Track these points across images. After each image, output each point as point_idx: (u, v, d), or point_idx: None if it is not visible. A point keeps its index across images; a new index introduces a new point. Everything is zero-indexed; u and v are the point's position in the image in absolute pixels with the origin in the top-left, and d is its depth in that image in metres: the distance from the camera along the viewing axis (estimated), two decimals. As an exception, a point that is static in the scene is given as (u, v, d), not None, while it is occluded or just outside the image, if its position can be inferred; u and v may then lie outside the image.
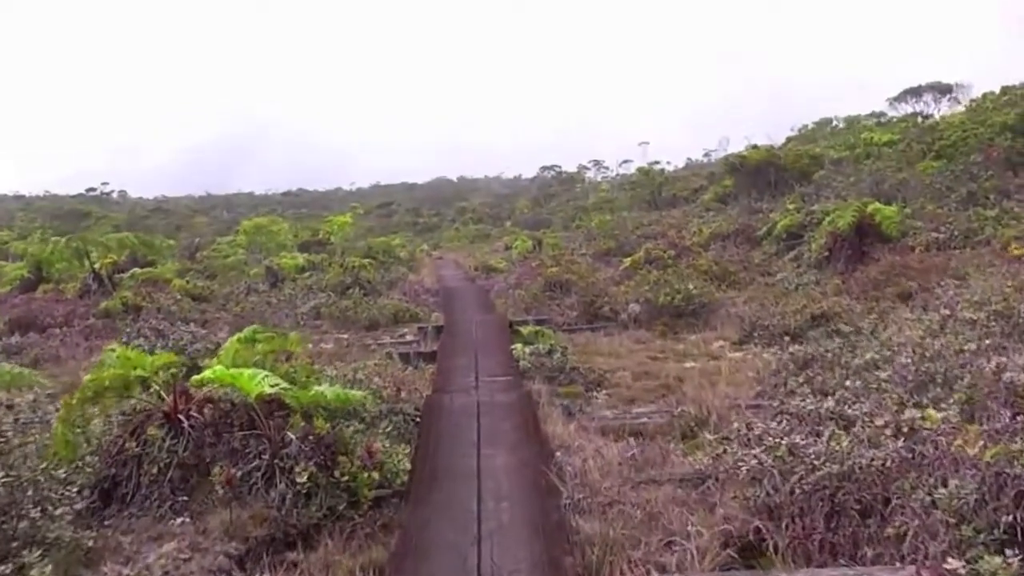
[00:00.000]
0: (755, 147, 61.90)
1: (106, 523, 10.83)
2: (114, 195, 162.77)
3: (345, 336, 28.27)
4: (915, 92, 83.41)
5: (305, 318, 31.76)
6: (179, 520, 10.74)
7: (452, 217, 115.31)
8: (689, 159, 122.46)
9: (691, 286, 27.85)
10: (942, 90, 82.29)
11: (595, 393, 18.11)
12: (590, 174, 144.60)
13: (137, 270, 41.15)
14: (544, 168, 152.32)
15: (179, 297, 34.57)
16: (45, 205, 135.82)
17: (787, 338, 21.19)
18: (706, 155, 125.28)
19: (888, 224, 33.06)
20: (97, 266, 39.84)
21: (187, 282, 38.45)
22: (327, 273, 39.33)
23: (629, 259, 38.86)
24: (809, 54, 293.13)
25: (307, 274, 40.96)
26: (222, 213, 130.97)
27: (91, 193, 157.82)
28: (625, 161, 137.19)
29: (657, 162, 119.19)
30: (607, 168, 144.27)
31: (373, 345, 26.27)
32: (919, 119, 71.36)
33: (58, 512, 9.84)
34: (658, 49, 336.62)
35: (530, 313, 29.45)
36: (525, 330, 24.56)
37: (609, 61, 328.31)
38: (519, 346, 21.10)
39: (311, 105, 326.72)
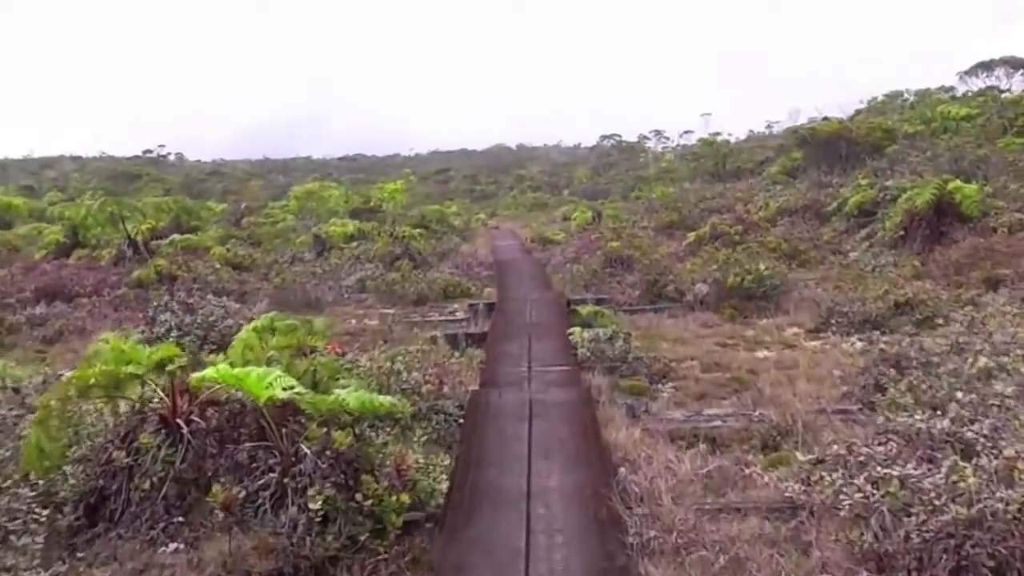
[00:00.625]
0: (825, 119, 59.16)
1: (80, 553, 9.05)
2: (171, 158, 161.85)
3: (391, 311, 26.47)
4: (987, 66, 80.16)
5: (350, 291, 30.05)
6: (171, 547, 9.05)
7: (510, 185, 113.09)
8: (751, 131, 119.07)
9: (762, 266, 25.68)
10: (1015, 65, 78.94)
11: (660, 386, 16.18)
12: (650, 144, 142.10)
13: (176, 236, 39.32)
14: (604, 137, 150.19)
15: (218, 266, 32.83)
16: (101, 166, 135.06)
17: (870, 327, 19.26)
18: (768, 127, 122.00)
19: (969, 203, 30.82)
20: (133, 232, 38.12)
21: (228, 250, 36.64)
22: (376, 243, 37.49)
23: (693, 234, 36.71)
24: (871, 26, 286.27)
25: (355, 244, 39.14)
26: (278, 178, 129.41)
27: (147, 155, 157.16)
28: (686, 132, 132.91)
29: (719, 133, 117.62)
30: (667, 138, 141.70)
31: (420, 322, 24.69)
32: (996, 93, 68.18)
33: (21, 543, 8.11)
34: (720, 18, 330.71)
35: (589, 291, 27.60)
36: (583, 310, 22.59)
37: (671, 29, 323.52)
38: (577, 330, 19.10)
39: (375, 74, 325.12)
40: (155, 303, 21.82)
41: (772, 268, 26.05)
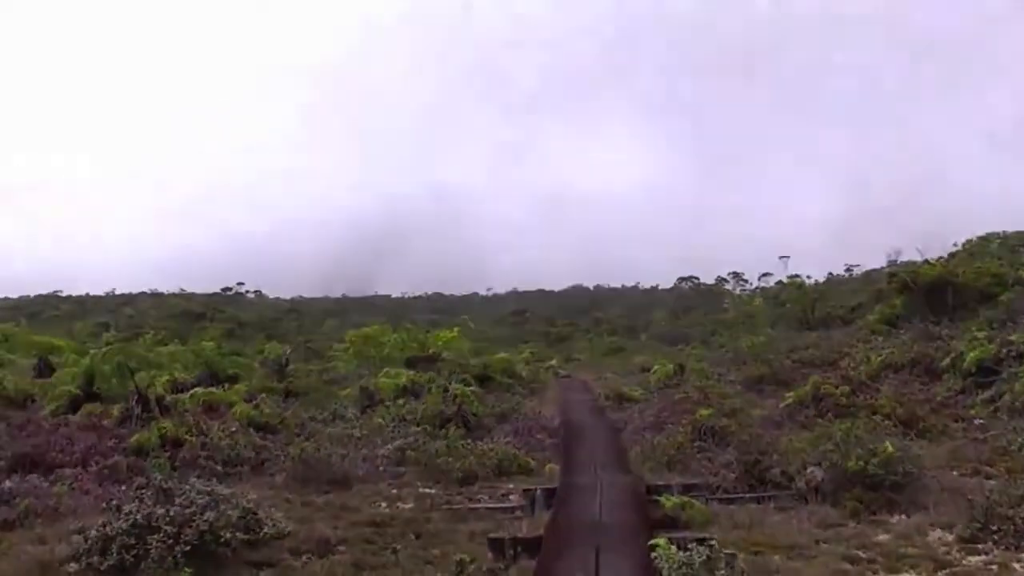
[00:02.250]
0: (927, 262, 52.99)
1: None
2: (249, 295, 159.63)
3: (432, 490, 21.90)
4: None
5: (387, 463, 24.79)
6: None
7: (586, 328, 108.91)
8: (831, 274, 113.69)
9: (890, 446, 19.99)
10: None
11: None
12: (728, 287, 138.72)
13: (199, 390, 34.31)
14: (681, 279, 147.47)
15: (236, 428, 27.51)
16: (178, 303, 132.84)
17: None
18: (848, 270, 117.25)
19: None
20: (148, 385, 32.52)
21: (255, 407, 31.15)
22: (425, 401, 32.12)
23: (792, 394, 31.18)
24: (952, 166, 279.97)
25: (401, 402, 33.66)
26: (354, 317, 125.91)
27: (226, 292, 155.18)
28: (765, 274, 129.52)
29: (798, 275, 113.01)
30: (746, 281, 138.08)
31: (464, 509, 19.97)
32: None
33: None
34: (796, 155, 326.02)
35: (673, 469, 22.75)
36: (668, 502, 17.45)
37: (744, 167, 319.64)
38: (662, 543, 13.55)
39: (456, 202, 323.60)
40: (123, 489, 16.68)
41: (902, 449, 20.34)
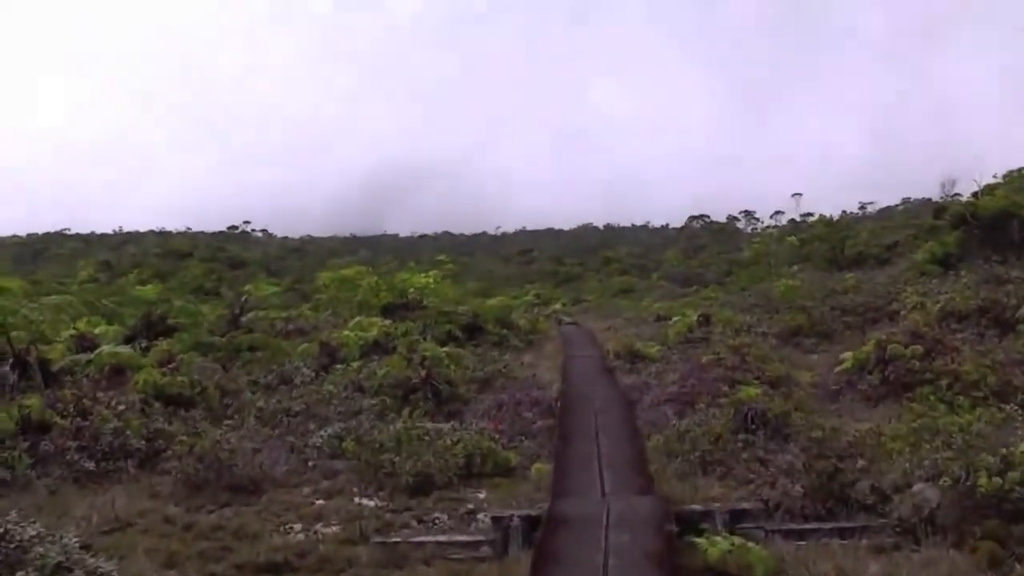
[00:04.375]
0: (987, 192, 44.78)
1: None
2: (256, 234, 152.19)
3: (371, 502, 15.61)
4: None
5: (320, 456, 17.79)
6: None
7: (596, 267, 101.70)
8: (845, 211, 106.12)
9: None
10: None
11: None
12: (740, 225, 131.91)
13: (106, 349, 26.35)
14: (693, 217, 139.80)
15: (132, 403, 20.17)
16: (184, 242, 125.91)
17: None
18: (861, 208, 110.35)
19: None
20: (29, 343, 24.77)
21: (169, 373, 23.68)
22: (388, 364, 24.75)
23: (850, 356, 23.90)
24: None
25: (356, 364, 26.16)
26: (360, 255, 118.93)
27: (232, 231, 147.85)
28: (777, 212, 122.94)
29: (811, 214, 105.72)
30: (757, 219, 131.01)
31: (408, 543, 13.54)
32: None
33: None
34: (809, 96, 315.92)
35: (710, 472, 15.97)
36: (711, 547, 11.80)
37: (754, 109, 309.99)
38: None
39: (469, 142, 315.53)
40: None
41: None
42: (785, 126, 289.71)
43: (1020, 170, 54.80)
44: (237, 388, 24.24)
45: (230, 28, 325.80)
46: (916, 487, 13.23)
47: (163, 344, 27.88)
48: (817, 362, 27.98)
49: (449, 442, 17.00)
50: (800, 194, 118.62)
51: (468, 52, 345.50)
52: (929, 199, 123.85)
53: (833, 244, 55.56)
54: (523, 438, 19.03)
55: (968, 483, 12.72)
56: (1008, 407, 18.10)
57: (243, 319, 33.89)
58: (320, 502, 15.45)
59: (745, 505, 13.65)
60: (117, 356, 25.13)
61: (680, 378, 23.38)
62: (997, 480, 12.54)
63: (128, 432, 18.12)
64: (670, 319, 37.53)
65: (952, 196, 53.70)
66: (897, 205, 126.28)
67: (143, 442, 18.09)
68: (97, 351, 25.79)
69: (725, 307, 41.83)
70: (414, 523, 14.26)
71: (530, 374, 27.06)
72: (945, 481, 12.95)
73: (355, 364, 25.44)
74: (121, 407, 19.30)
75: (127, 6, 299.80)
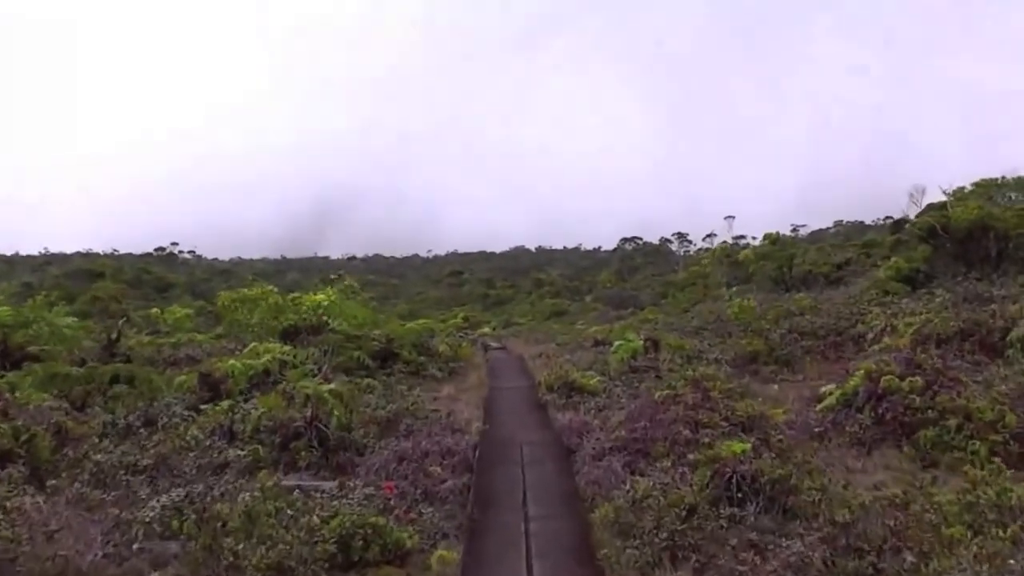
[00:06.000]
0: (961, 203, 40.15)
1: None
2: (184, 255, 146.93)
3: None
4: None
5: (151, 535, 12.66)
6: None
7: (528, 289, 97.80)
8: (778, 233, 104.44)
9: None
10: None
11: None
12: (673, 247, 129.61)
13: None
14: (625, 240, 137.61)
15: None
16: (108, 264, 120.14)
17: None
18: (794, 231, 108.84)
19: None
20: None
21: None
22: (263, 404, 19.51)
23: (834, 391, 19.26)
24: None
25: (229, 404, 20.82)
26: (289, 277, 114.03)
27: (159, 252, 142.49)
28: (709, 235, 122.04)
29: (743, 236, 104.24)
30: (690, 242, 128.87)
31: None
32: None
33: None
34: (742, 123, 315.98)
35: (683, 564, 11.12)
36: None
37: (688, 135, 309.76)
38: None
39: (403, 166, 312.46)
40: None
41: None
42: (718, 152, 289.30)
43: (991, 180, 51.01)
44: (85, 434, 18.95)
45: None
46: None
47: (8, 376, 22.50)
48: (780, 394, 23.42)
49: (318, 518, 11.96)
50: (733, 217, 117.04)
51: (406, 76, 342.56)
52: (862, 222, 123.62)
53: (780, 263, 51.11)
54: (428, 504, 14.01)
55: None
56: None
57: (120, 346, 28.23)
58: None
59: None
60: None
61: (629, 418, 18.37)
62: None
63: None
64: (610, 344, 32.54)
65: (919, 207, 49.85)
66: (829, 228, 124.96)
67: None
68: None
69: (668, 330, 37.10)
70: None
71: (446, 412, 21.78)
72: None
73: (225, 404, 20.09)
74: None
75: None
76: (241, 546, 11.22)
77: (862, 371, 19.36)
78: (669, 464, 14.30)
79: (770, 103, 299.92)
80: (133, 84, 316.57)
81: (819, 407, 19.20)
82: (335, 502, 12.97)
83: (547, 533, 12.62)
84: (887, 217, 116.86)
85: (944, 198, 49.40)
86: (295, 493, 13.40)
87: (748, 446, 12.98)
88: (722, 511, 11.90)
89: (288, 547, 11.17)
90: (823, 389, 20.09)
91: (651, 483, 13.29)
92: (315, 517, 11.86)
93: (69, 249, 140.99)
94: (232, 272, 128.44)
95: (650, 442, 16.28)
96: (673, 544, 11.25)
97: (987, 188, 48.64)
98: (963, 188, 50.94)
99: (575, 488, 14.83)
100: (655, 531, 11.61)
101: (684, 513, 11.85)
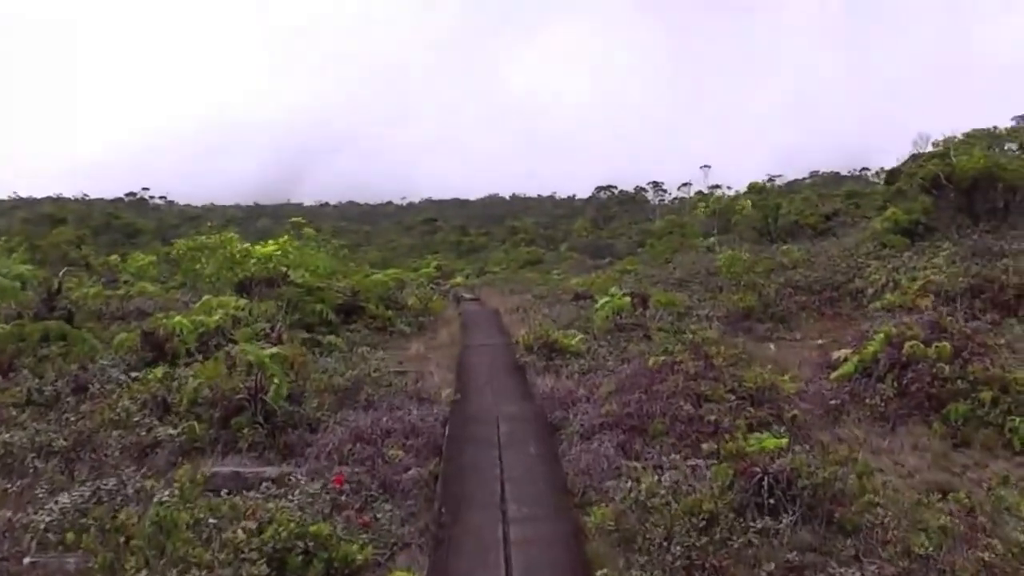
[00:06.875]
0: (966, 150, 37.66)
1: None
2: (155, 200, 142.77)
3: None
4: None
5: (46, 545, 10.18)
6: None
7: (502, 237, 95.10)
8: (755, 183, 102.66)
9: None
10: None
11: None
12: (648, 195, 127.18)
13: None
14: (600, 188, 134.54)
15: None
16: (77, 209, 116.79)
17: None
18: (770, 180, 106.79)
19: None
20: None
21: None
22: (201, 372, 16.79)
23: (853, 357, 16.95)
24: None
25: (164, 371, 18.32)
26: (260, 224, 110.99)
27: (130, 198, 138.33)
28: (684, 184, 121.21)
29: (718, 186, 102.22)
30: (665, 191, 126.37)
31: None
32: None
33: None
34: (715, 68, 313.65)
35: None
36: None
37: (662, 78, 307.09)
38: None
39: (380, 113, 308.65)
40: None
41: None
42: (695, 101, 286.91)
43: (984, 130, 48.76)
44: (3, 403, 16.33)
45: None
46: None
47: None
48: (779, 355, 21.13)
49: (244, 532, 9.47)
50: (708, 166, 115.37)
51: (389, 22, 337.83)
52: (837, 173, 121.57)
53: (766, 213, 48.53)
54: (386, 500, 11.61)
55: None
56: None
57: (61, 298, 25.38)
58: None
59: None
60: None
61: (620, 388, 15.98)
62: None
63: None
64: (591, 297, 30.05)
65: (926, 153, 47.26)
66: (804, 179, 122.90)
67: None
68: None
69: (650, 282, 34.67)
70: None
71: (414, 377, 19.20)
72: None
73: (159, 371, 17.47)
74: None
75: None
76: (144, 573, 8.78)
77: (882, 335, 17.07)
78: (680, 457, 11.84)
79: (750, 60, 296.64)
80: (132, 84, 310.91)
81: (833, 375, 16.92)
82: (271, 503, 10.53)
83: (530, 542, 10.23)
84: (863, 168, 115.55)
85: (931, 149, 47.46)
86: (222, 494, 10.90)
87: (784, 441, 10.54)
88: (750, 522, 9.58)
89: (208, 571, 8.75)
90: (836, 355, 17.74)
91: (656, 479, 10.89)
92: (240, 531, 9.37)
93: (40, 194, 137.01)
94: (204, 218, 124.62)
95: (647, 418, 13.95)
96: (690, 563, 8.91)
97: (982, 139, 46.42)
98: (954, 138, 48.87)
99: (562, 478, 12.46)
100: (665, 544, 9.28)
101: (702, 523, 9.51)
